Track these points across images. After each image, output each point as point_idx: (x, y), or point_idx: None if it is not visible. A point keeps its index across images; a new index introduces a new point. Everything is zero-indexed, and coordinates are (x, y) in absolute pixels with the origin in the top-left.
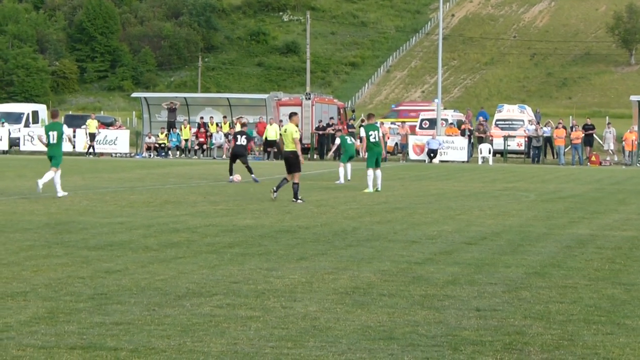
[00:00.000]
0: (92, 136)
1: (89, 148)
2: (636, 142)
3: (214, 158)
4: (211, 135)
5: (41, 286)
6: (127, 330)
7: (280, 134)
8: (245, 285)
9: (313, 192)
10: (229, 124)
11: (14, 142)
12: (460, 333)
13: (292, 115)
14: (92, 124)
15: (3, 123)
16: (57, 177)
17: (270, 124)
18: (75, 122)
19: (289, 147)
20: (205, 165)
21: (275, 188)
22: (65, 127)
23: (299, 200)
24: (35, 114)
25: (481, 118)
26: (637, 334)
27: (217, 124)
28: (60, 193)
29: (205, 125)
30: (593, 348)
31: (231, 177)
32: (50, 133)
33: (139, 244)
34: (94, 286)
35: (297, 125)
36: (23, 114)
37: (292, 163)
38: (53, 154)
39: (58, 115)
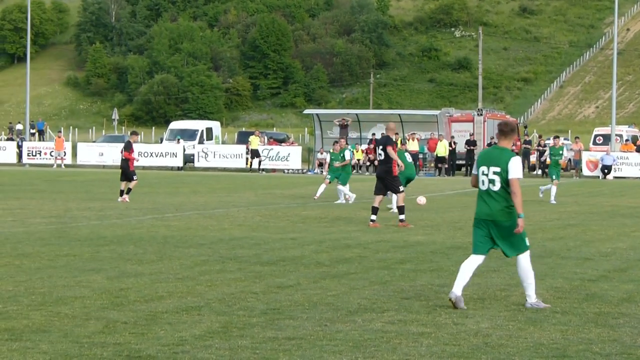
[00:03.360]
0: (255, 152)
1: (251, 164)
2: None
3: None
4: None
5: (215, 301)
6: (300, 346)
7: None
8: (417, 301)
9: None
10: (401, 140)
11: (188, 159)
12: (635, 352)
13: None
14: (254, 141)
15: (179, 140)
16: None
17: (440, 140)
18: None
19: None
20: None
21: None
22: None
23: None
24: (209, 130)
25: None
26: None
27: None
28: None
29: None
30: None
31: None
32: None
33: (310, 260)
34: (267, 301)
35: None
36: (197, 130)
37: None
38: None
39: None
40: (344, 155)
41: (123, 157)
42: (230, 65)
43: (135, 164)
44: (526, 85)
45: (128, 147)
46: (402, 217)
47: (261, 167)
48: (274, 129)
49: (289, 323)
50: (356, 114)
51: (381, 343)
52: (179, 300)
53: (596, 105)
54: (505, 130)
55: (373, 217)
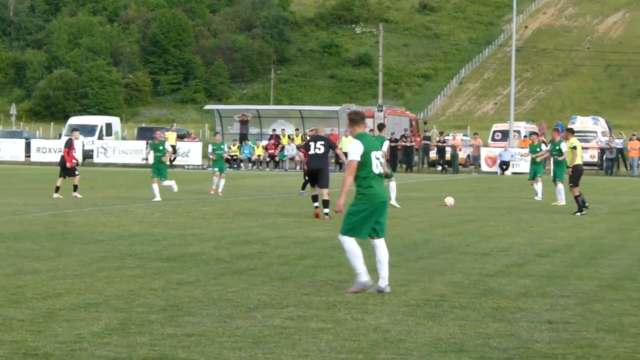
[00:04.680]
0: (172, 149)
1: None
2: None
3: (286, 170)
4: (283, 148)
5: (113, 298)
6: (199, 342)
7: None
8: (317, 297)
9: None
10: (301, 136)
11: (87, 155)
12: (532, 346)
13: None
14: (171, 137)
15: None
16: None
17: (346, 136)
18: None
19: None
20: (277, 177)
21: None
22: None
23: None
24: (108, 126)
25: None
26: None
27: (289, 136)
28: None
29: (277, 137)
30: None
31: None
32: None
33: (210, 256)
34: (166, 298)
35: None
36: (97, 126)
37: None
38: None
39: None
40: (223, 148)
41: (62, 154)
42: (130, 60)
43: (34, 159)
44: (426, 81)
45: (69, 145)
46: (326, 210)
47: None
48: (175, 124)
49: (188, 319)
50: (257, 110)
51: (281, 339)
52: (76, 297)
53: (495, 101)
54: (356, 118)
55: (315, 204)
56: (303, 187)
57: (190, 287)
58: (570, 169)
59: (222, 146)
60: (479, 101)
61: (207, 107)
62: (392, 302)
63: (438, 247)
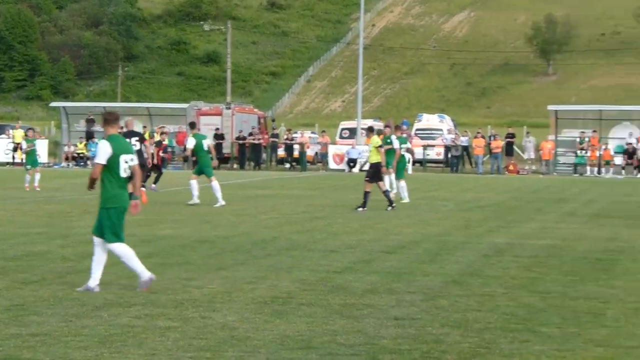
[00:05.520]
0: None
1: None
2: (553, 151)
3: None
4: None
5: None
6: (44, 342)
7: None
8: (164, 296)
9: (233, 201)
10: (149, 133)
11: None
12: (378, 342)
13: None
14: (17, 134)
15: None
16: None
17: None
18: None
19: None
20: None
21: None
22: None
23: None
24: None
25: (404, 127)
26: (552, 342)
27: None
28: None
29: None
30: (510, 356)
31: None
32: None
33: (56, 255)
34: (11, 297)
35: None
36: None
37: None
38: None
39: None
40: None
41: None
42: None
43: None
44: (274, 79)
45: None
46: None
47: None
48: (20, 121)
49: (34, 319)
50: (104, 107)
51: (128, 338)
52: None
53: (343, 99)
54: (109, 118)
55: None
56: (155, 182)
57: (35, 286)
58: (370, 165)
59: (35, 141)
60: (327, 99)
61: (53, 104)
62: (240, 299)
63: (285, 244)
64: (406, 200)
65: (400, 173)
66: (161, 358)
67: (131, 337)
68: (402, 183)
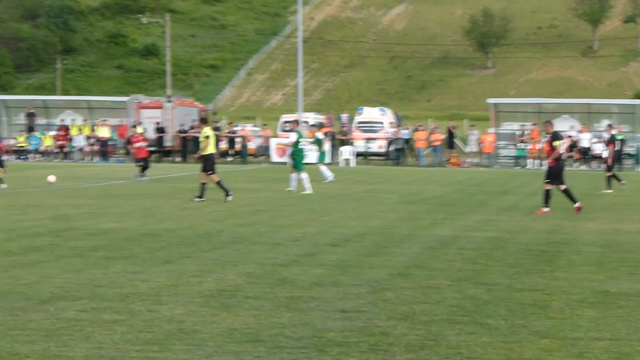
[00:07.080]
0: None
1: None
2: (493, 144)
3: (75, 161)
4: (71, 139)
5: None
6: None
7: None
8: (110, 289)
9: (177, 194)
10: (90, 126)
11: None
12: (325, 334)
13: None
14: None
15: None
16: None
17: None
18: None
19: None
20: (66, 168)
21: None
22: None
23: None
24: None
25: (345, 120)
26: (499, 334)
27: (78, 127)
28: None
29: (66, 128)
30: (456, 348)
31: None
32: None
33: (0, 248)
34: None
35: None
36: None
37: None
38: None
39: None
40: None
41: None
42: None
43: None
44: (214, 72)
45: None
46: None
47: None
48: None
49: None
50: (43, 100)
51: (74, 332)
52: None
53: (283, 92)
54: None
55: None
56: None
57: None
58: (203, 158)
59: None
60: (267, 92)
61: None
62: (187, 292)
63: (231, 237)
64: (309, 191)
65: (299, 166)
66: (108, 352)
67: (78, 330)
68: (303, 175)
